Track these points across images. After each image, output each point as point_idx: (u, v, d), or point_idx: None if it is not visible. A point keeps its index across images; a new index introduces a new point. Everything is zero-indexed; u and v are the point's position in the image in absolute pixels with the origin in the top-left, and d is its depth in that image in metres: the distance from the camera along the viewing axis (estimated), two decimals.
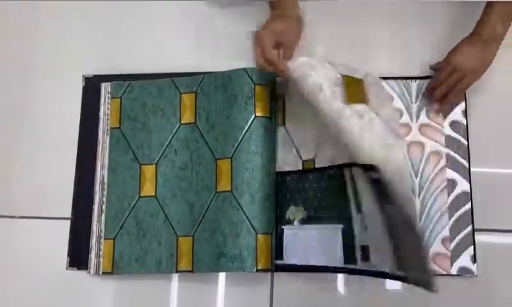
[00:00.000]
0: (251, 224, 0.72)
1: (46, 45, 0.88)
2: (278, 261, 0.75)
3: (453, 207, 0.75)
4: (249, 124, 0.75)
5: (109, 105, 0.83)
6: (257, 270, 0.70)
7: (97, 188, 0.80)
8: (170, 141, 0.80)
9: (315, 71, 0.69)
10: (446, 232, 0.75)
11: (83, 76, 0.85)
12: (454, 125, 0.78)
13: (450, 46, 0.74)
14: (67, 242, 0.79)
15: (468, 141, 0.78)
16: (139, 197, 0.79)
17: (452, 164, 0.77)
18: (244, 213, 0.72)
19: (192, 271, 0.74)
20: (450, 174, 0.77)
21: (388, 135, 0.68)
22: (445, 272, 0.74)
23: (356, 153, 0.67)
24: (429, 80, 0.79)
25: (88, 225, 0.78)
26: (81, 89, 0.84)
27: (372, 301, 0.75)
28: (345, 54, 0.83)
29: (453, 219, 0.75)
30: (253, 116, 0.75)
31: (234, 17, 0.82)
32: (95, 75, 0.84)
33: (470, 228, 0.75)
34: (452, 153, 0.77)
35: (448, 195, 0.76)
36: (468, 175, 0.76)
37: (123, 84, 0.83)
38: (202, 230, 0.75)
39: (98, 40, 0.87)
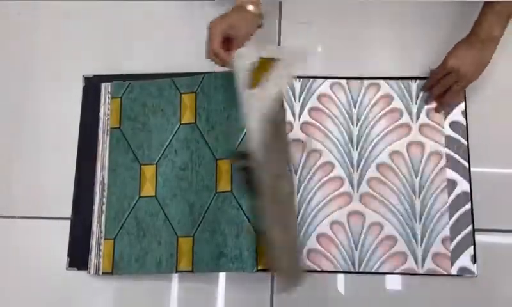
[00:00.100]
0: (251, 224, 0.72)
1: (46, 45, 0.88)
2: None
3: (453, 207, 0.76)
4: None
5: (109, 105, 0.83)
6: (257, 271, 0.70)
7: (97, 188, 0.80)
8: (170, 141, 0.80)
9: (245, 59, 0.67)
10: (446, 232, 0.75)
11: (83, 76, 0.85)
12: (453, 125, 0.78)
13: (450, 46, 0.74)
14: (67, 243, 0.79)
15: (468, 141, 0.78)
16: (139, 197, 0.79)
17: (452, 164, 0.77)
18: (244, 213, 0.72)
19: (192, 271, 0.74)
20: (450, 174, 0.77)
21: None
22: (445, 272, 0.74)
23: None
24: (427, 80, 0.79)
25: (88, 225, 0.78)
26: (81, 89, 0.84)
27: (372, 301, 0.75)
28: (346, 54, 0.83)
29: (453, 219, 0.75)
30: None
31: None
32: (95, 75, 0.84)
33: (470, 228, 0.75)
34: (452, 153, 0.77)
35: (449, 195, 0.76)
36: (468, 175, 0.76)
37: (123, 84, 0.83)
38: (202, 230, 0.75)
39: (98, 40, 0.87)
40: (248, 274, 0.73)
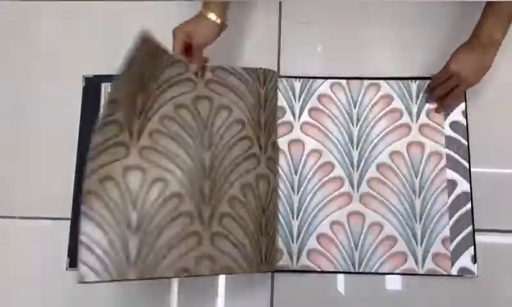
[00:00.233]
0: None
1: (46, 45, 0.88)
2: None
3: (453, 207, 0.76)
4: None
5: None
6: (257, 271, 0.70)
7: None
8: None
9: None
10: (446, 232, 0.75)
11: (83, 76, 0.85)
12: (454, 125, 0.78)
13: (450, 47, 0.74)
14: (67, 243, 0.79)
15: (468, 141, 0.78)
16: None
17: (452, 164, 0.77)
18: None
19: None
20: (451, 174, 0.77)
21: None
22: (445, 273, 0.74)
23: None
24: (428, 80, 0.79)
25: None
26: (81, 89, 0.84)
27: (372, 301, 0.75)
28: (346, 54, 0.83)
29: (453, 219, 0.75)
30: None
31: (234, 17, 0.82)
32: (95, 75, 0.84)
33: (470, 228, 0.75)
34: (452, 154, 0.77)
35: (449, 195, 0.76)
36: (468, 175, 0.76)
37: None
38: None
39: (99, 40, 0.87)
40: (248, 275, 0.73)
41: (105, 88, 0.83)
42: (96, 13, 0.88)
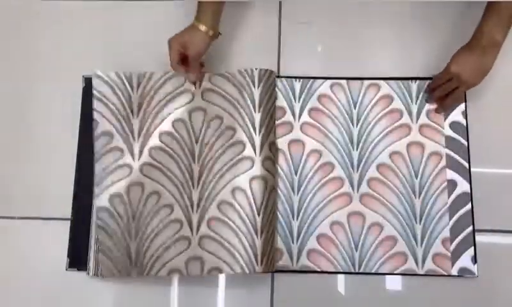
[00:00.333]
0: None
1: (46, 45, 0.88)
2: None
3: (453, 208, 0.76)
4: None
5: None
6: (251, 273, 0.70)
7: (96, 188, 0.79)
8: None
9: None
10: (446, 233, 0.75)
11: (83, 76, 0.85)
12: (454, 125, 0.78)
13: (450, 47, 0.74)
14: (67, 243, 0.79)
15: (468, 141, 0.78)
16: None
17: (452, 164, 0.77)
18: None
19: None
20: (451, 174, 0.77)
21: None
22: (445, 273, 0.74)
23: None
24: (428, 81, 0.79)
25: (88, 226, 0.78)
26: (81, 89, 0.84)
27: (372, 302, 0.75)
28: (346, 54, 0.83)
29: (453, 219, 0.75)
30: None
31: (234, 18, 0.82)
32: None
33: (470, 228, 0.75)
34: (452, 154, 0.77)
35: (449, 195, 0.76)
36: (468, 176, 0.76)
37: None
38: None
39: (98, 40, 0.87)
40: (248, 275, 0.73)
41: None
42: (96, 13, 0.88)
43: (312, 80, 0.81)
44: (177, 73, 0.78)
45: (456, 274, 0.74)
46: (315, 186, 0.77)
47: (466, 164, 0.77)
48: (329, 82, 0.81)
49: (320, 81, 0.81)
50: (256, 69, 0.77)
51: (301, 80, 0.81)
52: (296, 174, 0.78)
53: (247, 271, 0.71)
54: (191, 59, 0.74)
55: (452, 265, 0.74)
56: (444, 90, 0.75)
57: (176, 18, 0.84)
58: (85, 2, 0.88)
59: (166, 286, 0.77)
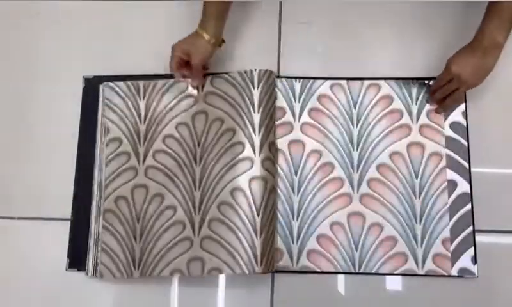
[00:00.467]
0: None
1: (46, 46, 0.87)
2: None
3: (453, 208, 0.75)
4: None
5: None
6: (251, 273, 0.70)
7: (95, 189, 0.79)
8: None
9: None
10: (446, 233, 0.75)
11: (83, 77, 0.84)
12: (454, 125, 0.78)
13: (450, 47, 0.74)
14: (67, 243, 0.79)
15: (468, 141, 0.78)
16: None
17: (452, 164, 0.77)
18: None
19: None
20: (451, 175, 0.77)
21: None
22: (445, 273, 0.74)
23: None
24: (427, 81, 0.79)
25: (88, 226, 0.78)
26: (81, 90, 0.84)
27: (373, 302, 0.75)
28: (346, 54, 0.83)
29: (453, 219, 0.75)
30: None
31: (234, 18, 0.82)
32: (95, 76, 0.84)
33: (470, 228, 0.75)
34: (452, 154, 0.77)
35: (449, 196, 0.76)
36: (468, 176, 0.76)
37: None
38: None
39: (98, 41, 0.87)
40: (248, 276, 0.73)
41: (104, 89, 0.82)
42: (96, 13, 0.88)
43: (311, 80, 0.81)
44: (180, 80, 0.80)
45: (456, 274, 0.74)
46: (315, 186, 0.77)
47: (466, 164, 0.77)
48: (329, 82, 0.81)
49: (320, 81, 0.81)
50: (255, 70, 0.77)
51: (301, 80, 0.81)
52: (296, 174, 0.78)
53: (246, 271, 0.71)
54: (194, 67, 0.75)
55: (452, 266, 0.74)
56: (445, 92, 0.75)
57: (177, 19, 0.84)
58: (85, 2, 0.88)
59: (166, 286, 0.77)
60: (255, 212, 0.72)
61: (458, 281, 0.74)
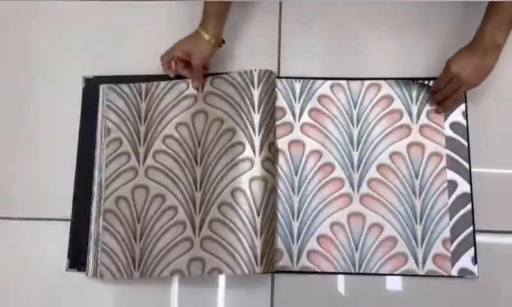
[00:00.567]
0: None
1: (46, 46, 0.88)
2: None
3: (454, 208, 0.75)
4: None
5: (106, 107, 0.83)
6: (251, 274, 0.70)
7: (95, 189, 0.79)
8: None
9: None
10: (447, 233, 0.75)
11: (83, 77, 0.84)
12: (454, 126, 0.78)
13: (450, 47, 0.74)
14: (67, 244, 0.79)
15: (468, 141, 0.78)
16: None
17: (452, 165, 0.77)
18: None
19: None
20: (451, 175, 0.77)
21: None
22: (445, 274, 0.74)
23: None
24: (428, 81, 0.79)
25: (88, 226, 0.78)
26: (81, 90, 0.84)
27: (373, 302, 0.75)
28: (346, 54, 0.83)
29: (454, 220, 0.75)
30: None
31: (234, 18, 0.82)
32: (95, 76, 0.84)
33: (470, 228, 0.75)
34: (452, 154, 0.77)
35: (449, 196, 0.76)
36: (468, 176, 0.76)
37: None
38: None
39: (99, 41, 0.87)
40: (248, 276, 0.73)
41: (103, 90, 0.82)
42: (96, 13, 0.88)
43: (312, 80, 0.81)
44: (180, 80, 0.80)
45: (456, 275, 0.74)
46: (316, 186, 0.77)
47: (467, 165, 0.77)
48: (329, 82, 0.81)
49: (320, 81, 0.81)
50: (255, 70, 0.77)
51: (301, 80, 0.81)
52: (296, 174, 0.78)
53: (246, 272, 0.70)
54: (194, 67, 0.75)
55: (453, 266, 0.74)
56: (445, 94, 0.75)
57: (177, 19, 0.84)
58: (85, 2, 0.88)
59: (166, 286, 0.77)
60: (255, 212, 0.72)
61: (458, 281, 0.74)
